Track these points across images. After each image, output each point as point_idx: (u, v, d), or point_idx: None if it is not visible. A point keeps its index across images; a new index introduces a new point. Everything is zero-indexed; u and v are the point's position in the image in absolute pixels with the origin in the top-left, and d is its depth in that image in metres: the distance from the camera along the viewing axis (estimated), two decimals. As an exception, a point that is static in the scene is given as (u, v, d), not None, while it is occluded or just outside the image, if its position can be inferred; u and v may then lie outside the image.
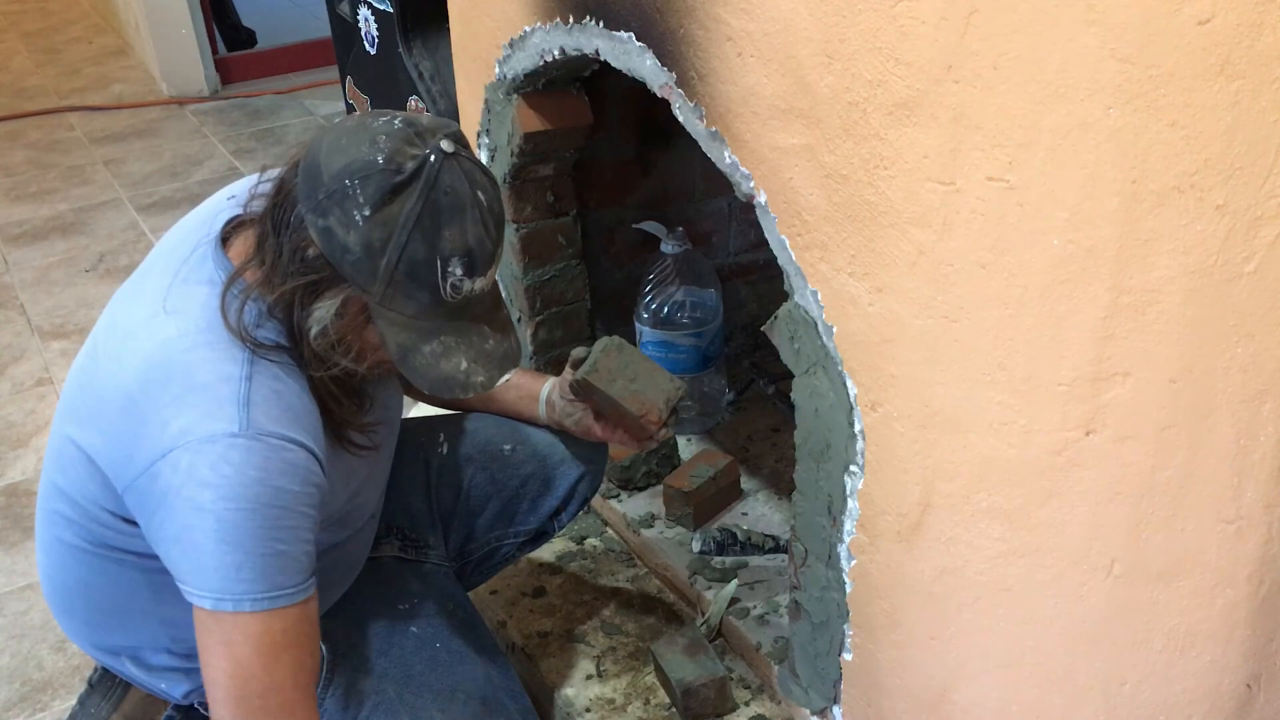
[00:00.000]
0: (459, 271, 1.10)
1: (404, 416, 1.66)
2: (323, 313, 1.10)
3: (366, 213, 1.06)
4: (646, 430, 1.46)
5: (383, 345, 1.13)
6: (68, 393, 1.25)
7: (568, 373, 1.49)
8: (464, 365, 1.15)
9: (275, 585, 1.09)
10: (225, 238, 1.19)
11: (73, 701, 1.46)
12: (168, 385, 1.10)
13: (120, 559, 1.23)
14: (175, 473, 1.07)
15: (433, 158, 1.07)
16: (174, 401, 1.09)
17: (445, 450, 1.57)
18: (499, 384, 1.18)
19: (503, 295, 1.20)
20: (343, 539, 1.33)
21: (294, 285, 1.10)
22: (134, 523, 1.16)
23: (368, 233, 1.06)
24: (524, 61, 1.66)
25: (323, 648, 1.33)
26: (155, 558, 1.15)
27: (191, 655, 1.29)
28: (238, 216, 1.20)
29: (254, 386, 1.10)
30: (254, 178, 1.20)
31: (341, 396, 1.18)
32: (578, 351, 1.46)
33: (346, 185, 1.06)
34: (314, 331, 1.11)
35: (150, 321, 1.15)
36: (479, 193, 1.10)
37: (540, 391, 1.55)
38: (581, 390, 1.45)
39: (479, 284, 1.13)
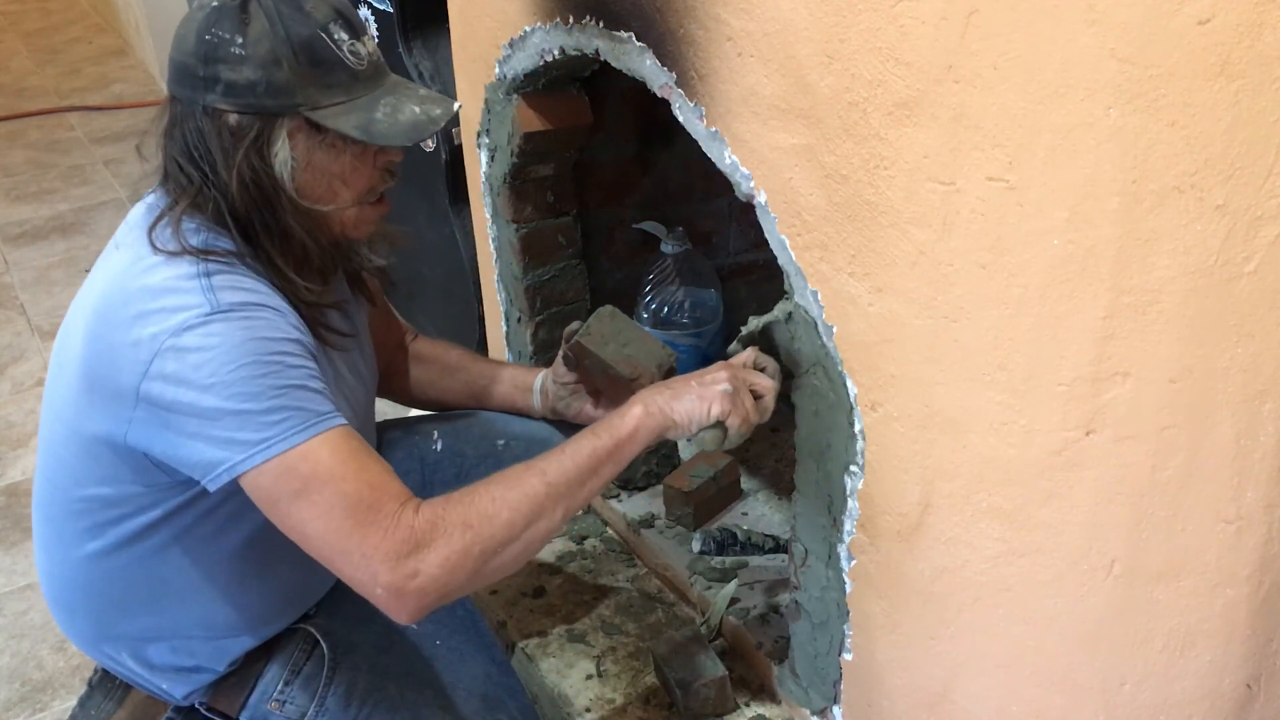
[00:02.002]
0: (345, 35, 1.16)
1: (399, 418, 1.67)
2: (281, 155, 1.14)
3: (240, 40, 1.11)
4: None
5: (343, 143, 1.16)
6: (50, 371, 1.26)
7: (562, 351, 1.49)
8: (418, 109, 1.20)
9: (312, 414, 1.10)
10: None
11: (73, 702, 1.46)
12: (128, 304, 1.12)
13: (127, 546, 1.22)
14: (167, 372, 1.08)
15: None
16: (138, 316, 1.10)
17: (439, 447, 1.57)
18: (455, 110, 1.23)
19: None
20: None
21: (242, 155, 1.13)
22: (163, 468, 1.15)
23: (254, 54, 1.11)
24: (524, 61, 1.66)
25: (323, 645, 1.33)
26: (178, 510, 1.18)
27: (194, 655, 1.30)
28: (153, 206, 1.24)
29: (214, 277, 1.12)
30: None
31: (310, 272, 1.21)
32: (572, 326, 1.47)
33: (207, 40, 1.12)
34: (287, 176, 1.15)
35: (105, 267, 1.19)
36: None
37: (533, 382, 1.56)
38: (575, 357, 1.45)
39: (368, 44, 1.19)
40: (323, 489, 1.08)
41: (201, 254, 1.14)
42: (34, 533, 1.34)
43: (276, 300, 1.16)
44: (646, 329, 1.53)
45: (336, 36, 1.15)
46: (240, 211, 1.15)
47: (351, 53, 1.16)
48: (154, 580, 1.24)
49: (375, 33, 2.51)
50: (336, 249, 1.26)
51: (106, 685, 1.41)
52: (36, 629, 1.99)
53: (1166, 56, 0.87)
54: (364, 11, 2.52)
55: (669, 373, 1.47)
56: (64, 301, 3.16)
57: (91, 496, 1.21)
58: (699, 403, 1.23)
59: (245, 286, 1.14)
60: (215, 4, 1.13)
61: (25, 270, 3.37)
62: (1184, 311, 0.96)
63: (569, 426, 1.58)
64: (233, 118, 1.13)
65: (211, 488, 1.11)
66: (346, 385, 1.29)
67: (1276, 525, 1.08)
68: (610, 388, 1.48)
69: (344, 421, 1.13)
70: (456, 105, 1.23)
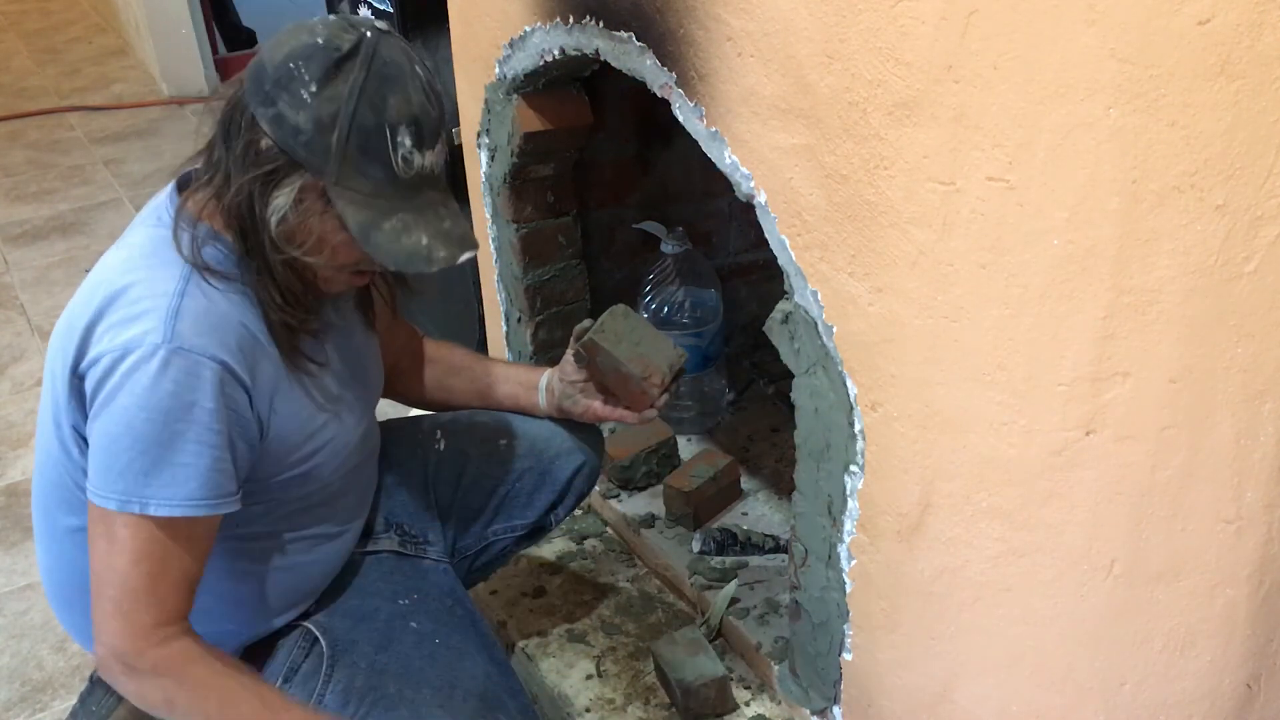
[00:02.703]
0: (408, 141, 1.13)
1: (402, 417, 1.67)
2: (281, 201, 1.13)
3: (313, 89, 1.10)
4: (649, 396, 1.47)
5: (343, 230, 1.15)
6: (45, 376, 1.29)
7: (570, 349, 1.49)
8: (424, 240, 1.16)
9: (180, 495, 1.13)
10: (182, 187, 1.24)
11: (73, 701, 1.46)
12: (105, 301, 1.14)
13: None
14: (99, 376, 1.12)
15: (369, 34, 1.13)
16: (107, 314, 1.14)
17: (442, 446, 1.57)
18: (461, 260, 1.20)
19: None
20: (315, 504, 1.33)
21: (250, 177, 1.13)
22: None
23: (316, 109, 1.10)
24: (524, 61, 1.66)
25: (322, 643, 1.33)
26: None
27: None
28: (194, 167, 1.24)
29: (185, 302, 1.13)
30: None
31: (293, 301, 1.20)
32: (582, 324, 1.48)
33: (291, 68, 1.10)
34: (274, 221, 1.14)
35: (104, 261, 1.21)
36: (416, 66, 1.15)
37: (539, 380, 1.57)
38: (586, 354, 1.46)
39: (428, 158, 1.16)
40: (119, 555, 1.14)
41: (194, 264, 1.15)
42: (34, 528, 1.35)
43: (242, 339, 1.16)
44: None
45: (399, 139, 1.12)
46: (235, 220, 1.16)
47: (404, 159, 1.13)
48: None
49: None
50: (309, 289, 1.24)
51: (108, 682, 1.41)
52: (36, 629, 1.98)
53: (1166, 56, 0.87)
54: (364, 11, 2.52)
55: (679, 373, 1.48)
56: (64, 301, 3.13)
57: (72, 485, 1.22)
58: None
59: (213, 320, 1.14)
60: (320, 41, 1.11)
61: (25, 270, 3.37)
62: (1184, 311, 0.96)
63: (573, 424, 1.59)
64: (265, 142, 1.12)
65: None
66: (330, 403, 1.29)
67: (1276, 525, 1.08)
68: (620, 385, 1.49)
69: (197, 511, 1.15)
70: (469, 254, 1.20)
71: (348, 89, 1.10)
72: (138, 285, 1.14)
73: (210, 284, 1.16)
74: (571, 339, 1.50)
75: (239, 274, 1.17)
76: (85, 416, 1.16)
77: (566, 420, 1.58)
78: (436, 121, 1.16)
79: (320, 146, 1.11)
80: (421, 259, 1.16)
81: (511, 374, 1.60)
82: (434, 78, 1.17)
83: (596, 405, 1.53)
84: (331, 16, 1.16)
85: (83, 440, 1.19)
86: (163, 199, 1.23)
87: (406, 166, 1.13)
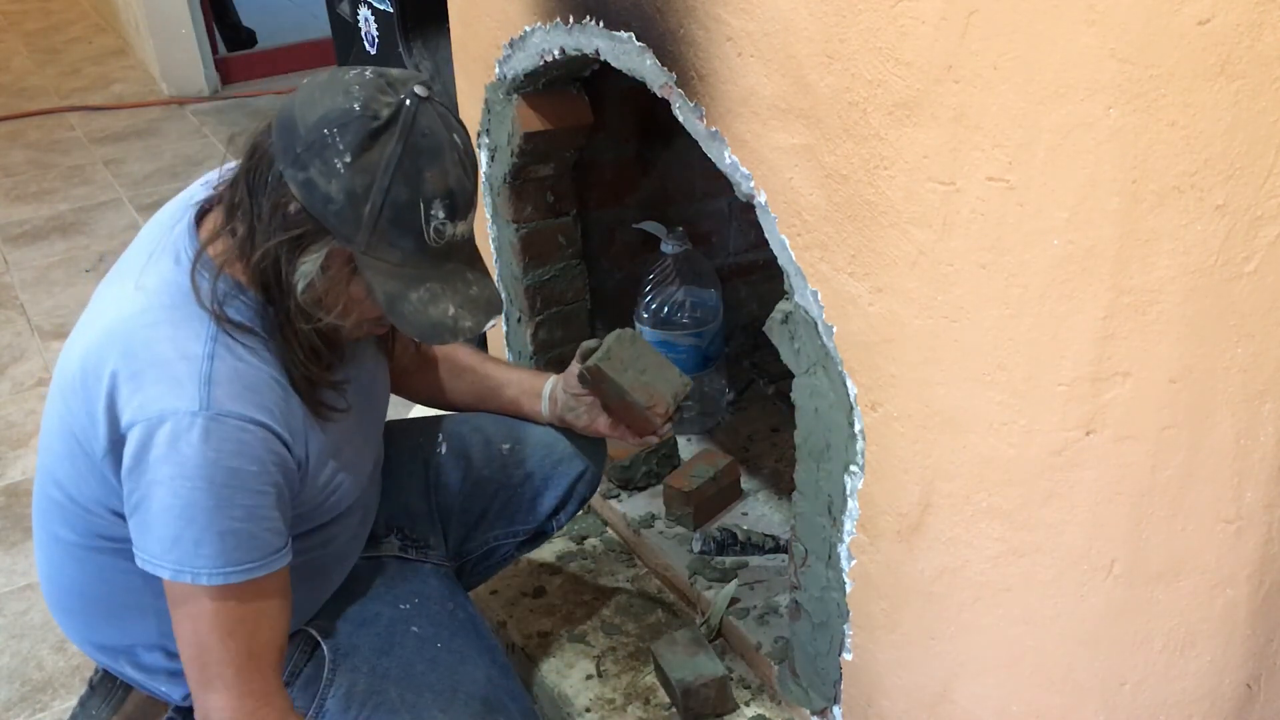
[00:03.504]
0: (441, 214, 1.11)
1: (405, 418, 1.67)
2: (308, 267, 1.11)
3: (348, 159, 1.07)
4: (652, 424, 1.47)
5: (369, 296, 1.14)
6: (55, 374, 1.27)
7: (575, 365, 1.49)
8: (451, 310, 1.15)
9: (231, 561, 1.12)
10: (200, 217, 1.21)
11: (73, 702, 1.46)
12: (129, 359, 1.12)
13: (114, 550, 1.23)
14: (137, 447, 1.10)
15: (408, 102, 1.09)
16: (135, 376, 1.11)
17: (444, 450, 1.57)
18: (487, 328, 1.19)
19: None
20: (324, 524, 1.32)
21: (277, 241, 1.10)
22: (119, 514, 1.18)
23: (350, 180, 1.07)
24: (524, 61, 1.66)
25: (324, 647, 1.33)
26: None
27: None
28: (212, 195, 1.22)
29: (216, 365, 1.11)
30: (231, 163, 1.21)
31: (314, 359, 1.19)
32: (588, 343, 1.47)
33: (325, 135, 1.07)
34: (300, 287, 1.12)
35: (119, 298, 1.17)
36: (455, 135, 1.12)
37: (542, 388, 1.56)
38: (591, 379, 1.45)
39: (460, 228, 1.14)
40: (199, 634, 1.15)
41: (219, 321, 1.13)
42: (34, 533, 1.34)
43: (274, 394, 1.15)
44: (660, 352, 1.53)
45: (433, 212, 1.10)
46: (259, 278, 1.14)
47: (436, 231, 1.11)
48: (146, 576, 1.24)
49: (375, 33, 2.50)
50: (329, 344, 1.23)
51: (107, 685, 1.41)
52: (36, 629, 1.99)
53: (1166, 56, 0.87)
54: (364, 11, 2.52)
55: (684, 400, 1.48)
56: (64, 301, 3.16)
57: (80, 504, 1.22)
58: None
59: (246, 382, 1.13)
60: (357, 108, 1.07)
61: (25, 270, 3.37)
62: (1184, 311, 0.96)
63: (575, 434, 1.58)
64: (294, 206, 1.09)
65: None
66: (346, 435, 1.29)
67: (1276, 525, 1.08)
68: (624, 411, 1.48)
69: (268, 572, 1.15)
70: (495, 320, 1.20)
71: (384, 162, 1.07)
72: (163, 343, 1.12)
73: (236, 339, 1.14)
74: (576, 356, 1.49)
75: (262, 326, 1.16)
76: (118, 468, 1.14)
77: (572, 436, 1.58)
78: (471, 193, 1.14)
79: (352, 217, 1.08)
80: (447, 330, 1.15)
81: (516, 379, 1.60)
82: (470, 143, 1.15)
83: (599, 422, 1.52)
84: (369, 73, 1.11)
85: (113, 481, 1.17)
86: (182, 233, 1.19)
87: (438, 238, 1.12)
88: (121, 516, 1.17)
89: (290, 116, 1.10)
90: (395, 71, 1.14)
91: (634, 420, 1.49)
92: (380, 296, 1.12)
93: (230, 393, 1.11)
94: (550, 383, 1.56)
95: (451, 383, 1.59)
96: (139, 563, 1.14)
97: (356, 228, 1.09)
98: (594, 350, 1.45)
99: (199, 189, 1.26)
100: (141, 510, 1.12)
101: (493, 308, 1.20)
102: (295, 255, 1.11)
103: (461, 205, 1.13)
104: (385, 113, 1.08)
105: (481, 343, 2.34)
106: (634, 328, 2.02)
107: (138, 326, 1.13)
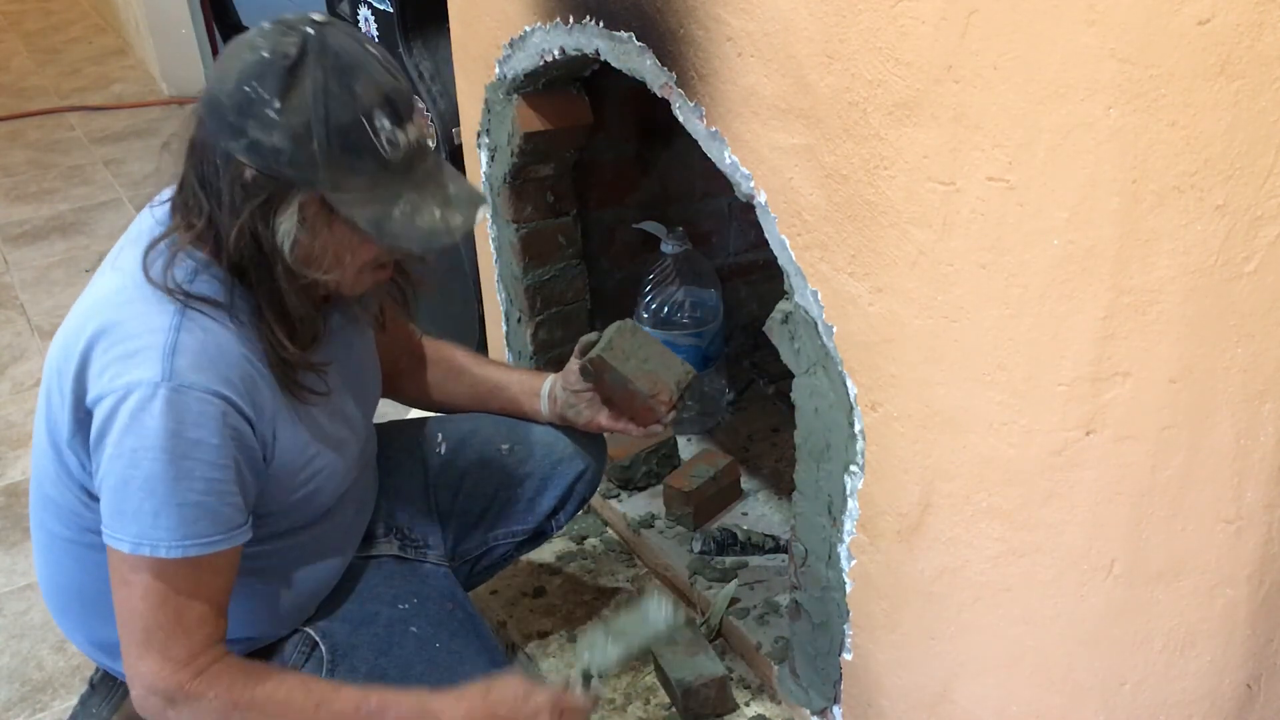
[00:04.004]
0: (387, 123, 1.10)
1: (404, 418, 1.66)
2: (287, 225, 1.11)
3: (277, 105, 1.07)
4: (655, 413, 1.47)
5: (355, 232, 1.13)
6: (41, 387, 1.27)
7: (574, 361, 1.49)
8: (438, 213, 1.14)
9: (190, 534, 1.12)
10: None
11: (73, 701, 1.46)
12: (100, 335, 1.13)
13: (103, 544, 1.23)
14: (103, 420, 1.11)
15: (312, 31, 1.09)
16: (105, 351, 1.12)
17: (443, 450, 1.57)
18: (478, 222, 1.18)
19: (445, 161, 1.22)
20: (318, 519, 1.33)
21: (248, 214, 1.10)
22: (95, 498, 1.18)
23: (288, 123, 1.07)
24: (524, 61, 1.66)
25: (322, 647, 1.33)
26: None
27: None
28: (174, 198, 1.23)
29: (181, 337, 1.11)
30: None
31: (291, 337, 1.18)
32: (587, 337, 1.47)
33: (248, 92, 1.07)
34: (287, 247, 1.11)
35: (98, 283, 1.19)
36: (368, 47, 1.12)
37: (541, 387, 1.56)
38: (594, 369, 1.45)
39: (411, 132, 1.13)
40: (139, 599, 1.13)
41: (185, 298, 1.13)
42: (31, 533, 1.35)
43: (240, 369, 1.15)
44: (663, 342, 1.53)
45: (378, 124, 1.09)
46: (235, 260, 1.13)
47: (389, 142, 1.10)
48: None
49: (375, 33, 2.51)
50: (326, 304, 1.24)
51: (107, 685, 1.41)
52: (36, 629, 1.98)
53: (1166, 56, 0.87)
54: (364, 12, 2.52)
55: (687, 389, 1.47)
56: (64, 301, 3.16)
57: (73, 500, 1.22)
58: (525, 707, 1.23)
59: (210, 354, 1.13)
60: (266, 54, 1.07)
61: (25, 270, 3.37)
62: (1184, 311, 0.96)
63: (575, 432, 1.58)
64: (249, 173, 1.09)
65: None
66: (329, 425, 1.29)
67: (1276, 525, 1.08)
68: (627, 402, 1.48)
69: (209, 549, 1.14)
70: (484, 210, 1.19)
71: (312, 93, 1.07)
72: (132, 320, 1.12)
73: (206, 314, 1.14)
74: (576, 351, 1.49)
75: (231, 304, 1.15)
76: (88, 447, 1.15)
77: (574, 435, 1.58)
78: (408, 95, 1.14)
79: (305, 159, 1.08)
80: (441, 232, 1.15)
81: (513, 379, 1.59)
82: (386, 52, 1.15)
83: (601, 417, 1.52)
84: (266, 25, 1.11)
85: (83, 465, 1.18)
86: (152, 223, 1.20)
87: (393, 149, 1.11)
88: (97, 500, 1.18)
89: (211, 95, 1.10)
90: (289, 15, 1.14)
91: (637, 411, 1.48)
92: (364, 225, 1.11)
93: (193, 364, 1.11)
94: (549, 381, 1.55)
95: (448, 384, 1.58)
96: (104, 539, 1.14)
97: (314, 167, 1.08)
98: (594, 344, 1.45)
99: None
100: (106, 485, 1.13)
101: (476, 199, 1.19)
102: (270, 219, 1.10)
103: (403, 108, 1.12)
104: (294, 50, 1.08)
105: (481, 342, 2.34)
106: (634, 323, 2.03)
107: (111, 305, 1.14)
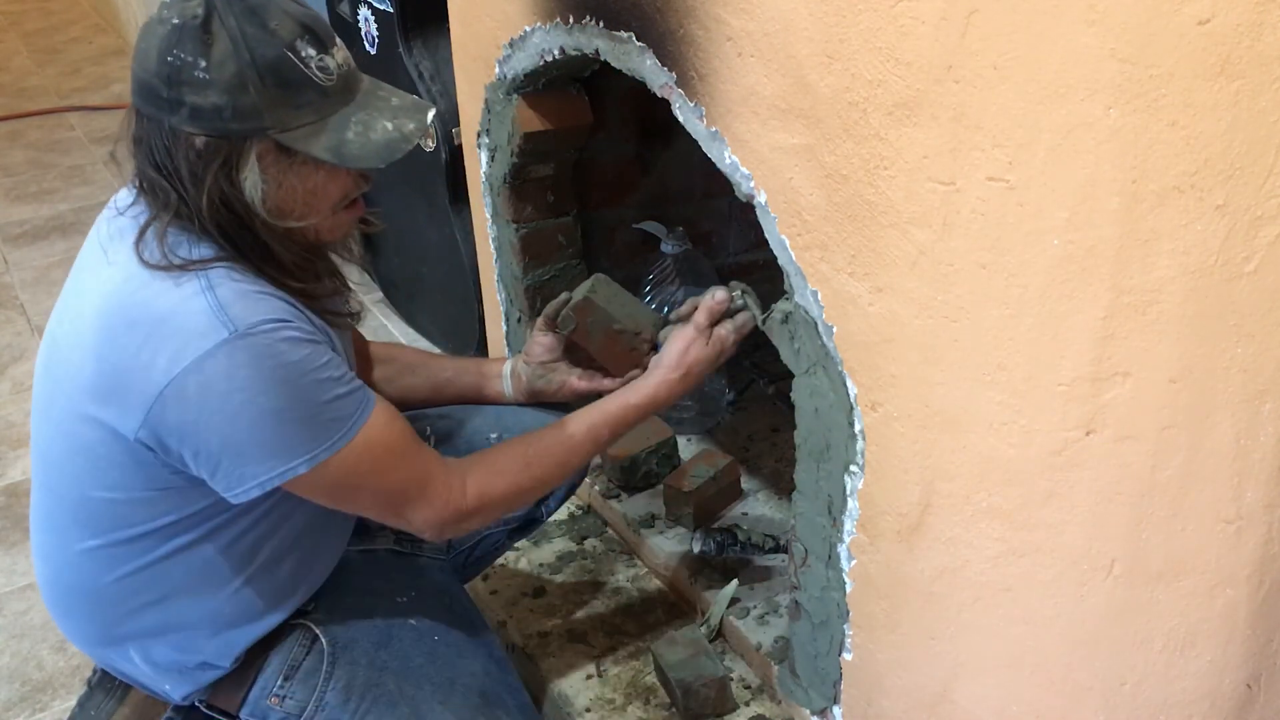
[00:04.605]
0: (312, 50, 1.12)
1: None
2: (251, 178, 1.13)
3: (203, 64, 1.08)
4: (638, 353, 1.47)
5: (317, 168, 1.15)
6: (37, 384, 1.29)
7: (539, 329, 1.51)
8: (389, 125, 1.17)
9: (343, 424, 1.16)
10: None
11: (73, 702, 1.46)
12: (133, 328, 1.11)
13: (138, 548, 1.22)
14: (189, 400, 1.10)
15: None
16: (147, 340, 1.10)
17: (432, 441, 1.57)
18: (428, 128, 1.23)
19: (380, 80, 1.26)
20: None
21: (211, 179, 1.11)
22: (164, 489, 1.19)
23: (219, 78, 1.08)
24: (524, 61, 1.66)
25: (322, 641, 1.33)
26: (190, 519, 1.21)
27: (199, 651, 1.29)
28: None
29: (219, 293, 1.12)
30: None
31: (304, 271, 1.21)
32: (555, 302, 1.49)
33: (171, 61, 1.09)
34: (257, 199, 1.13)
35: (96, 275, 1.18)
36: None
37: (502, 369, 1.57)
38: (576, 316, 1.46)
39: (339, 56, 1.16)
40: (365, 486, 1.21)
41: (196, 265, 1.13)
42: (32, 543, 1.34)
43: (281, 299, 1.16)
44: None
45: (304, 54, 1.11)
46: (216, 227, 1.14)
47: (320, 69, 1.12)
48: (160, 579, 1.24)
49: (375, 33, 2.51)
50: (315, 251, 1.25)
51: (106, 685, 1.41)
52: (36, 629, 1.99)
53: (1166, 56, 0.87)
54: (364, 11, 2.52)
55: (662, 330, 1.50)
56: (64, 301, 3.15)
57: (98, 500, 1.21)
58: (708, 348, 1.41)
59: (251, 292, 1.13)
60: (175, 21, 1.09)
61: (25, 270, 3.37)
62: (1184, 311, 0.96)
63: (557, 409, 1.57)
64: (199, 140, 1.10)
65: (235, 501, 1.16)
66: (351, 364, 1.30)
67: (1276, 525, 1.08)
68: (607, 348, 1.49)
69: (376, 403, 1.20)
70: (431, 113, 1.21)
71: (232, 41, 1.08)
72: (158, 299, 1.11)
73: (222, 269, 1.14)
74: (541, 321, 1.50)
75: (235, 259, 1.16)
76: (160, 439, 1.13)
77: (554, 411, 1.58)
78: (323, 20, 1.16)
79: (247, 108, 1.09)
80: (399, 139, 1.17)
81: (470, 366, 1.60)
82: None
83: (572, 379, 1.52)
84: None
85: (165, 450, 1.15)
86: (120, 238, 1.19)
87: (325, 75, 1.13)
88: (163, 490, 1.18)
89: (140, 81, 1.12)
90: None
91: (618, 357, 1.49)
92: (323, 154, 1.13)
93: (246, 308, 1.11)
94: (509, 363, 1.56)
95: (404, 380, 1.57)
96: (238, 496, 1.14)
97: (257, 113, 1.10)
98: (564, 304, 1.47)
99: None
100: (230, 447, 1.12)
101: (423, 105, 1.22)
102: (234, 177, 1.12)
103: (323, 34, 1.14)
104: (200, 8, 1.09)
105: (481, 342, 2.34)
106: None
107: (126, 295, 1.13)
